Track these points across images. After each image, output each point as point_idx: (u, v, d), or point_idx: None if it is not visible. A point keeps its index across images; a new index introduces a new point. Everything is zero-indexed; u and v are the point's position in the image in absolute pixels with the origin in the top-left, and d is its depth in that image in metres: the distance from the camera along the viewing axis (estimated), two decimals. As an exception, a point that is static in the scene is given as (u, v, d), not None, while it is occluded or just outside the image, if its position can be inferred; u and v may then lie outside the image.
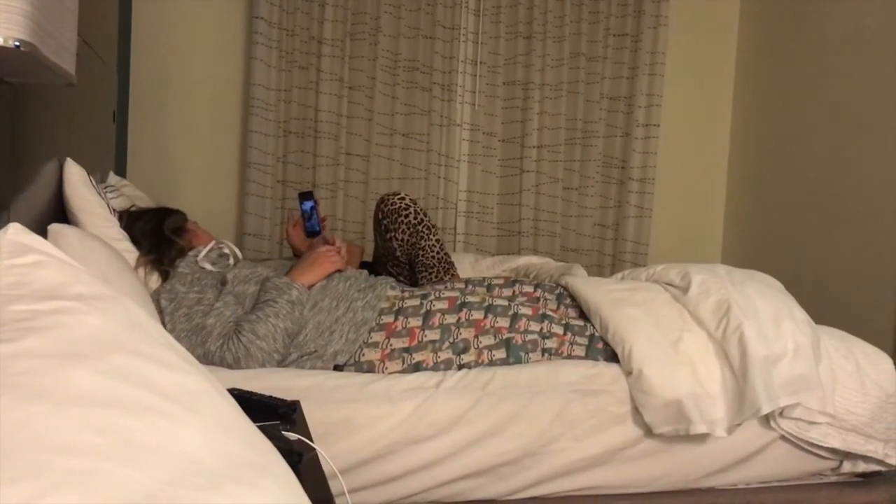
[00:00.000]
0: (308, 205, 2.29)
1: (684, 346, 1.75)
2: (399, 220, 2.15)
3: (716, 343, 1.76)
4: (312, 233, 2.30)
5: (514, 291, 2.03)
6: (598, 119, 3.56)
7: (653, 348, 1.73)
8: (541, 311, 1.88)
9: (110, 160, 2.83)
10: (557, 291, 2.06)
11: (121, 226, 1.93)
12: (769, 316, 1.77)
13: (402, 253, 2.20)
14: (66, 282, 0.72)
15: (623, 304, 1.87)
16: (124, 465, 0.52)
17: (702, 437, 1.69)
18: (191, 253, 1.92)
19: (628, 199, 3.57)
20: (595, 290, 1.96)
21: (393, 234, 2.17)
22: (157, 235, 1.96)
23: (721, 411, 1.67)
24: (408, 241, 2.17)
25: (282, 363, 1.72)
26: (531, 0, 3.46)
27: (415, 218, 2.16)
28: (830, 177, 3.03)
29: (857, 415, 1.76)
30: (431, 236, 2.18)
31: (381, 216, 2.19)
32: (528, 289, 2.03)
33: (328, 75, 3.30)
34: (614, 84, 3.59)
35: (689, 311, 1.85)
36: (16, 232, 0.77)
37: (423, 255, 2.17)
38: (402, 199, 2.17)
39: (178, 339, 1.65)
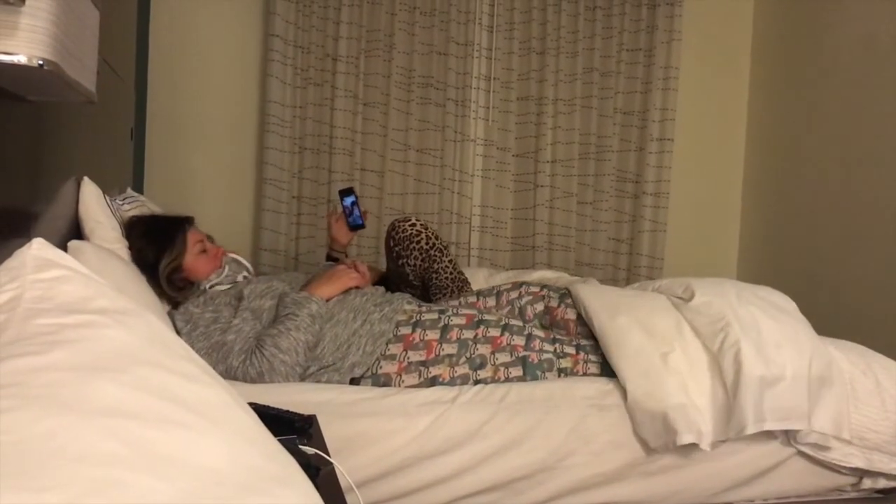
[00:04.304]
0: (349, 200, 2.34)
1: (676, 357, 1.73)
2: (411, 246, 2.14)
3: (710, 355, 1.74)
4: (356, 226, 2.36)
5: (520, 292, 2.06)
6: (611, 134, 3.56)
7: (639, 362, 1.72)
8: (552, 336, 1.89)
9: (128, 177, 2.86)
10: (562, 292, 2.08)
11: (127, 243, 1.90)
12: (772, 338, 1.74)
13: (414, 277, 2.20)
14: (89, 296, 0.73)
15: (618, 312, 1.86)
16: (148, 475, 0.52)
17: (718, 453, 1.67)
18: (201, 288, 1.92)
19: (643, 213, 3.56)
20: (594, 296, 1.96)
21: (405, 260, 2.16)
22: (154, 276, 1.87)
23: (708, 425, 1.65)
24: (420, 265, 2.16)
25: (301, 376, 1.73)
26: (544, 16, 3.48)
27: (426, 243, 2.15)
28: (847, 189, 3.01)
29: (879, 433, 1.73)
30: (444, 258, 2.17)
31: (392, 243, 2.18)
32: (535, 288, 2.08)
33: (343, 92, 3.32)
34: (628, 99, 3.59)
35: (688, 321, 1.84)
36: (39, 247, 0.79)
37: (436, 278, 2.17)
38: (413, 225, 2.16)
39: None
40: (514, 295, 2.08)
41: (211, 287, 1.92)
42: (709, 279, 2.04)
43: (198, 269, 1.94)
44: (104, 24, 1.40)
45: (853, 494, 1.81)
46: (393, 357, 1.76)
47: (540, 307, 2.07)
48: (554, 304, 2.04)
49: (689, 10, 3.61)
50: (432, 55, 3.42)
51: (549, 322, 2.04)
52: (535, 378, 1.76)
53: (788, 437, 1.70)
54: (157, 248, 1.89)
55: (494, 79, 3.49)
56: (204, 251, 1.98)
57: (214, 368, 1.67)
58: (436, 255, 2.16)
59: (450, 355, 1.76)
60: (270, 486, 0.59)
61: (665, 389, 1.66)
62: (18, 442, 0.51)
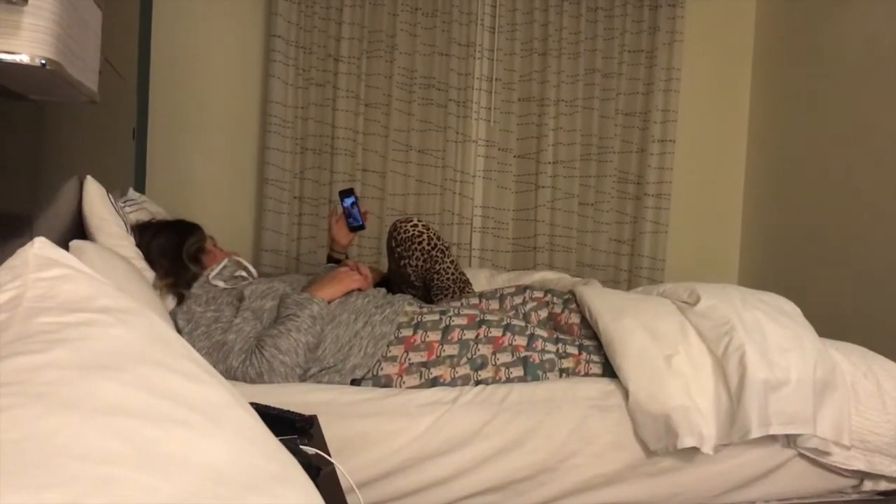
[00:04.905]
0: (349, 201, 2.34)
1: (679, 360, 1.72)
2: (413, 247, 2.15)
3: (715, 359, 1.74)
4: (356, 227, 2.36)
5: (524, 298, 2.05)
6: (613, 135, 3.56)
7: (642, 364, 1.71)
8: (555, 336, 1.89)
9: (130, 176, 2.87)
10: (566, 297, 2.07)
11: (136, 242, 1.92)
12: (776, 343, 1.74)
13: (416, 278, 2.20)
14: (91, 294, 0.73)
15: (623, 314, 1.86)
16: (150, 474, 0.52)
17: (719, 455, 1.67)
18: (204, 273, 1.93)
19: (644, 214, 3.56)
20: (599, 298, 1.96)
21: (407, 261, 2.17)
22: (176, 258, 1.94)
23: (711, 428, 1.64)
24: (422, 266, 2.17)
25: (302, 377, 1.73)
26: (546, 17, 3.48)
27: (428, 243, 2.15)
28: (848, 190, 3.01)
29: (881, 435, 1.72)
30: (446, 259, 2.17)
31: (394, 244, 2.18)
32: (539, 294, 2.07)
33: (345, 92, 3.32)
34: (629, 100, 3.59)
35: (692, 325, 1.84)
36: (41, 246, 0.79)
37: (438, 279, 2.17)
38: (415, 226, 2.16)
39: None
40: (518, 300, 2.08)
41: (213, 275, 1.92)
42: (713, 284, 2.04)
43: (215, 254, 2.06)
44: (106, 24, 1.40)
45: (854, 496, 1.81)
46: (394, 358, 1.76)
47: (544, 314, 2.06)
48: (558, 309, 2.03)
49: (690, 11, 3.62)
50: (434, 56, 3.42)
51: (554, 328, 2.04)
52: (535, 378, 1.76)
53: (789, 440, 1.70)
54: (181, 232, 2.02)
55: (496, 80, 3.50)
56: (215, 246, 2.12)
57: (215, 368, 1.67)
58: (437, 256, 2.16)
59: (451, 356, 1.76)
60: (271, 486, 0.59)
61: (668, 392, 1.65)
62: (19, 440, 0.51)
